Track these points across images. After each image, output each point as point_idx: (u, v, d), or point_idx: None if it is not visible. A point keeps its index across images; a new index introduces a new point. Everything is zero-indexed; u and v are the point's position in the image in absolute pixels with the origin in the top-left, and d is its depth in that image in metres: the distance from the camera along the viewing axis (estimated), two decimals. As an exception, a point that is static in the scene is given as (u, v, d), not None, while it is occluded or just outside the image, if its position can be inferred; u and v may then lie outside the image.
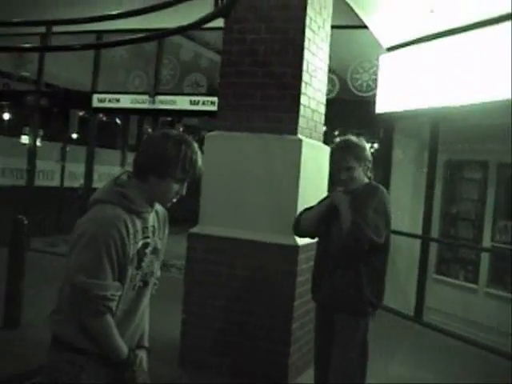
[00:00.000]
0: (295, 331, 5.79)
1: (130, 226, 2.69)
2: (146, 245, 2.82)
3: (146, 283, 2.88)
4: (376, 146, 20.35)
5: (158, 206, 2.94)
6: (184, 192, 2.86)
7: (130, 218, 2.71)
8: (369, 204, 4.15)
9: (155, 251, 2.91)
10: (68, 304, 2.69)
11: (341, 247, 4.15)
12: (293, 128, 5.83)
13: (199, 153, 2.83)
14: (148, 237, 2.84)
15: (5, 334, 6.84)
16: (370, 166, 4.43)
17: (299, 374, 5.97)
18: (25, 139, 14.34)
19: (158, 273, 3.03)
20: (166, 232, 3.07)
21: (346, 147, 4.33)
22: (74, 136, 15.88)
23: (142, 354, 2.96)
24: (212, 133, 6.18)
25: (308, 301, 5.29)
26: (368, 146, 4.46)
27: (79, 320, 2.68)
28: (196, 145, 2.85)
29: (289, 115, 5.84)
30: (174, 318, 6.60)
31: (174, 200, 2.88)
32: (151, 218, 2.88)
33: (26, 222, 7.15)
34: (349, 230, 4.04)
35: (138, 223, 2.77)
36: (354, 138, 4.39)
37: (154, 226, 2.90)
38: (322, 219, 4.43)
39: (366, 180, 4.42)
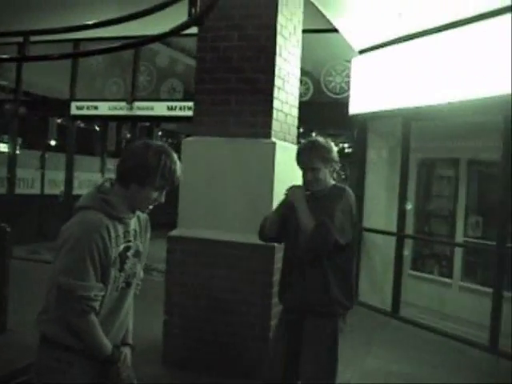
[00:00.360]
0: (274, 328, 5.93)
1: (111, 230, 2.86)
2: (127, 248, 2.99)
3: (128, 284, 3.05)
4: (347, 145, 20.62)
5: (139, 212, 3.12)
6: (163, 199, 3.03)
7: (112, 223, 2.89)
8: (336, 205, 4.05)
9: (137, 254, 3.08)
10: (55, 304, 2.86)
11: (306, 248, 4.06)
12: (267, 132, 6.01)
13: (178, 162, 3.00)
14: (130, 240, 3.01)
15: (-9, 339, 6.96)
16: (337, 167, 4.32)
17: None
18: (3, 147, 14.40)
19: (141, 274, 3.21)
20: (148, 235, 3.24)
21: (312, 148, 4.22)
22: (53, 143, 15.93)
23: (127, 351, 3.14)
24: (189, 138, 6.35)
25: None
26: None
27: (65, 319, 2.85)
28: (175, 155, 3.01)
29: (262, 119, 6.01)
30: (156, 319, 6.76)
31: (151, 207, 3.06)
32: (133, 223, 3.05)
33: (8, 229, 7.23)
34: (314, 230, 3.95)
35: (120, 228, 2.94)
36: (320, 139, 4.29)
37: (135, 230, 3.07)
38: (282, 222, 4.33)
39: (332, 182, 4.31)
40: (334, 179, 4.35)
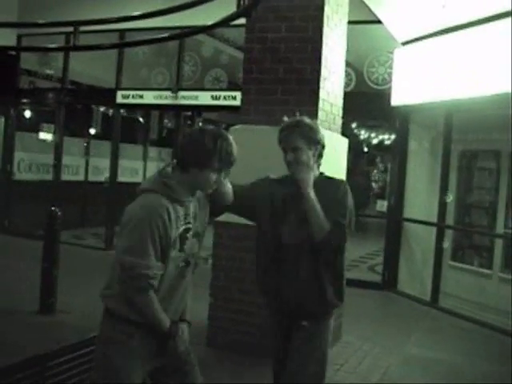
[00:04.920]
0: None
1: (172, 212, 3.03)
2: (187, 230, 3.15)
3: (188, 263, 3.21)
4: (387, 137, 20.58)
5: (199, 194, 3.27)
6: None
7: (173, 205, 3.05)
8: (346, 204, 3.68)
9: (196, 235, 3.24)
10: (117, 280, 3.06)
11: (317, 249, 3.63)
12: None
13: (234, 144, 3.17)
14: (189, 222, 3.17)
15: (41, 318, 7.21)
16: (322, 151, 3.82)
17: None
18: (49, 136, 14.73)
19: (200, 254, 3.38)
20: (207, 217, 3.39)
21: (295, 126, 3.78)
22: (97, 132, 16.24)
23: (184, 327, 3.33)
24: (236, 126, 6.51)
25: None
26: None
27: (126, 295, 3.04)
28: (230, 137, 3.19)
29: (308, 109, 6.09)
30: (199, 302, 6.97)
31: (214, 187, 3.23)
32: (192, 206, 3.21)
33: (59, 213, 7.48)
34: (329, 230, 3.55)
35: (180, 210, 3.10)
36: (305, 119, 3.83)
37: (195, 213, 3.23)
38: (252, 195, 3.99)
39: (317, 171, 3.84)
40: (319, 166, 3.85)
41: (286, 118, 3.92)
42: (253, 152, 6.30)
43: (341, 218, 3.61)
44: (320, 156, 3.82)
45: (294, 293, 3.73)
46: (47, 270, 7.37)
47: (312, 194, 3.60)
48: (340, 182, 3.89)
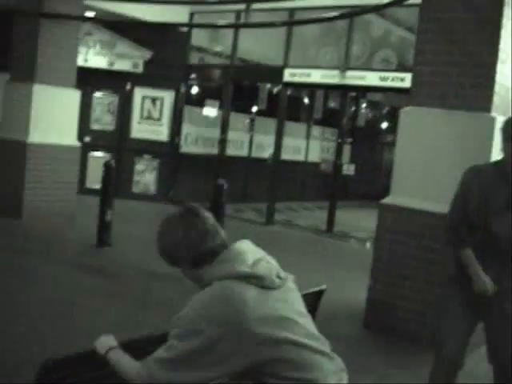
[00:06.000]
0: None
1: None
2: None
3: None
4: None
5: None
6: None
7: None
8: None
9: None
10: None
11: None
12: (487, 106, 5.93)
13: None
14: None
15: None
16: None
17: (471, 352, 6.10)
18: (215, 111, 15.14)
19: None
20: None
21: None
22: (261, 109, 16.51)
23: None
24: (407, 108, 6.41)
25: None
26: None
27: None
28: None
29: (483, 93, 5.94)
30: (355, 283, 7.07)
31: None
32: None
33: (225, 186, 7.69)
34: None
35: None
36: None
37: None
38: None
39: None
40: None
41: None
42: (424, 134, 6.22)
43: None
44: None
45: (496, 275, 3.92)
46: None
47: None
48: None
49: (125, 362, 2.56)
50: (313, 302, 3.96)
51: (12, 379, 3.63)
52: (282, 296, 2.52)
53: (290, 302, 2.56)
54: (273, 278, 2.51)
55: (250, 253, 2.58)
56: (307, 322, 2.60)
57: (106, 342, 2.66)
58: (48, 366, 2.50)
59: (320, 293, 3.93)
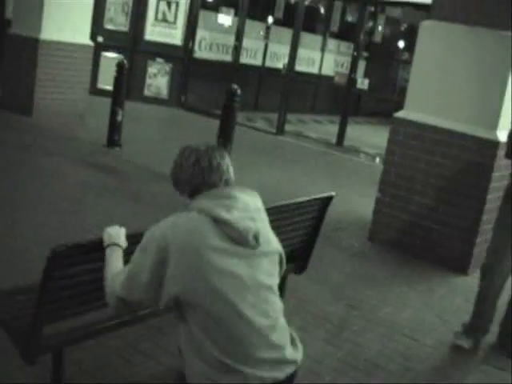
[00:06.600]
0: (484, 223, 5.93)
1: None
2: None
3: None
4: None
5: None
6: None
7: None
8: None
9: None
10: None
11: None
12: (508, 24, 5.81)
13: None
14: None
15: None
16: None
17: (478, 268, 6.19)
18: (230, 18, 14.89)
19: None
20: None
21: None
22: (277, 18, 16.20)
23: None
24: (427, 22, 6.27)
25: (499, 197, 5.11)
26: None
27: None
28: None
29: (506, 10, 5.80)
30: (363, 197, 7.11)
31: None
32: None
33: (238, 91, 7.57)
34: None
35: None
36: None
37: None
38: None
39: None
40: None
41: None
42: (440, 49, 6.12)
43: None
44: None
45: None
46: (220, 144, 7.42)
47: None
48: None
49: (111, 264, 2.63)
50: (321, 207, 4.01)
51: (25, 274, 3.70)
52: (250, 259, 2.44)
53: (255, 268, 2.45)
54: (248, 236, 2.42)
55: (240, 202, 2.49)
56: (264, 295, 2.46)
57: (110, 237, 2.73)
58: (59, 252, 2.55)
59: (328, 199, 3.97)
